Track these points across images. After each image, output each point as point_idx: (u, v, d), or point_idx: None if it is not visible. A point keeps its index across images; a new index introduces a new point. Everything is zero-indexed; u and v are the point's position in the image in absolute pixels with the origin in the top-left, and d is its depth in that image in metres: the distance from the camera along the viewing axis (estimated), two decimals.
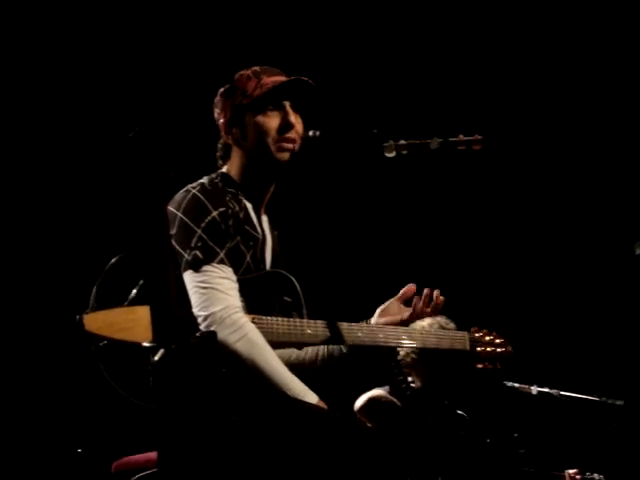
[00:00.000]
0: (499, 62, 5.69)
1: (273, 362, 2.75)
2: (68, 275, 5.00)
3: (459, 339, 3.33)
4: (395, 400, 4.25)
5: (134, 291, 2.79)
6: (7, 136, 5.14)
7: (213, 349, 2.29)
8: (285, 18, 5.51)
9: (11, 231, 5.11)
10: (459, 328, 3.44)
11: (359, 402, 4.29)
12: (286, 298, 2.99)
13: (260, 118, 2.98)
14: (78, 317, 2.69)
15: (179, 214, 2.85)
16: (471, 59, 5.70)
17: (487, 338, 3.39)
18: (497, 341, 3.42)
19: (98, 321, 2.70)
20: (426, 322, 4.31)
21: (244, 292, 2.85)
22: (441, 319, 4.34)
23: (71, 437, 4.93)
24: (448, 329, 4.25)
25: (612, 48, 5.59)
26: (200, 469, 2.52)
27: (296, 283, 3.01)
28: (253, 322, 2.81)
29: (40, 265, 5.17)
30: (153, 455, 2.92)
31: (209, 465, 2.57)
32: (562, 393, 4.19)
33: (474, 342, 3.35)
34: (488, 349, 3.38)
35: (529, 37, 5.64)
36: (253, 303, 2.88)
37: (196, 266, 2.78)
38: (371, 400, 4.28)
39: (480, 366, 3.41)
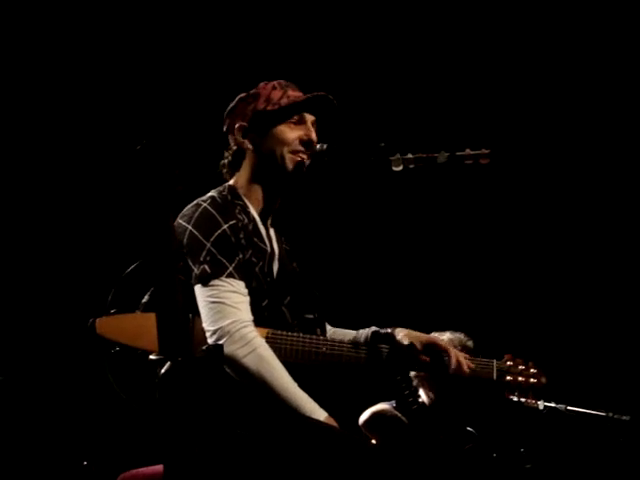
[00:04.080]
0: (507, 76, 5.69)
1: (282, 378, 2.72)
2: (87, 281, 5.02)
3: (484, 367, 3.23)
4: (400, 415, 4.24)
5: (146, 296, 2.80)
6: (17, 146, 5.17)
7: (220, 362, 2.28)
8: (294, 32, 5.52)
9: (34, 238, 5.16)
10: (494, 356, 3.34)
11: (364, 416, 4.28)
12: (308, 315, 2.98)
13: (282, 127, 3.00)
14: (91, 321, 2.70)
15: (189, 227, 2.84)
16: (478, 73, 5.70)
17: (520, 367, 3.29)
18: (531, 371, 3.31)
19: (110, 326, 2.70)
20: (445, 337, 4.30)
21: (256, 304, 2.84)
22: (460, 336, 4.33)
23: (77, 449, 4.93)
24: (467, 346, 4.24)
25: (621, 58, 5.59)
26: None
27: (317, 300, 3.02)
28: (267, 336, 2.79)
29: (60, 270, 5.20)
30: (159, 468, 2.91)
31: (214, 478, 2.57)
32: (569, 408, 4.17)
33: (503, 371, 3.25)
34: (519, 379, 3.29)
35: (536, 52, 5.64)
36: (267, 317, 2.86)
37: (205, 280, 2.77)
38: (375, 415, 4.27)
39: (511, 396, 3.34)
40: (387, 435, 4.19)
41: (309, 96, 3.01)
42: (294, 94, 3.02)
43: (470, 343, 4.33)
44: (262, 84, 3.07)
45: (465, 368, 3.04)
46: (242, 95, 3.08)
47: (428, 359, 3.04)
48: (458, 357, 3.04)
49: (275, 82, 3.06)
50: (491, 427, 4.64)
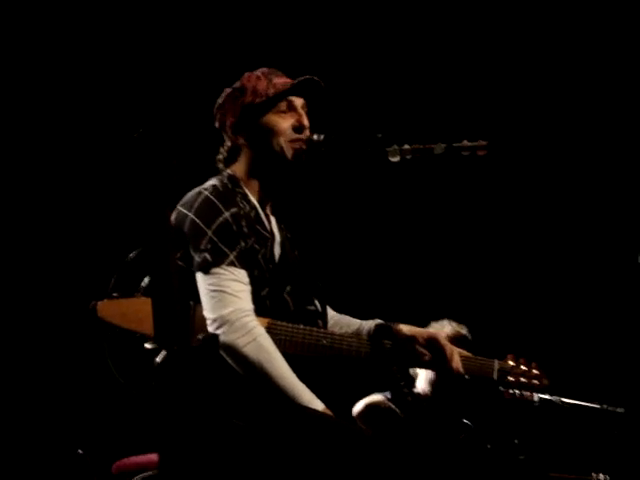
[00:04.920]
0: (504, 67, 5.68)
1: (281, 368, 2.71)
2: (89, 264, 5.04)
3: (485, 367, 3.21)
4: (393, 406, 4.23)
5: (146, 279, 2.79)
6: (18, 135, 5.18)
7: (215, 352, 2.28)
8: (289, 21, 5.51)
9: (37, 223, 5.19)
10: (495, 354, 3.32)
11: (357, 407, 4.27)
12: (310, 307, 2.97)
13: (273, 117, 2.98)
14: (92, 304, 2.70)
15: (191, 215, 2.83)
16: (476, 64, 5.70)
17: (522, 368, 3.28)
18: (533, 372, 3.30)
19: (111, 309, 2.71)
20: (446, 328, 4.30)
21: (258, 293, 2.84)
22: (454, 324, 4.33)
23: (72, 438, 4.93)
24: (463, 335, 4.24)
25: (616, 53, 5.59)
26: (201, 471, 2.52)
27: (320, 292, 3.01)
28: (268, 326, 2.79)
29: (62, 252, 5.22)
30: (154, 456, 2.92)
31: (210, 467, 2.57)
32: (563, 400, 4.18)
33: (504, 371, 3.24)
34: (521, 379, 3.27)
35: (533, 43, 5.64)
36: (269, 306, 2.86)
37: (206, 268, 2.76)
38: (368, 406, 4.26)
39: (510, 394, 3.32)
40: (380, 426, 4.19)
41: (295, 82, 2.99)
42: (279, 81, 3.00)
43: (464, 332, 4.33)
44: (246, 75, 3.04)
45: (454, 366, 3.03)
46: (228, 90, 3.06)
47: (429, 355, 3.04)
48: (453, 356, 3.04)
49: (259, 72, 3.03)
50: (485, 418, 4.65)
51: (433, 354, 3.03)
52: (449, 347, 3.04)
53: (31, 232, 5.20)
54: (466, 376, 3.14)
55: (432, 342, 3.03)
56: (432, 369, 3.24)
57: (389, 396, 4.27)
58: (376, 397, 4.29)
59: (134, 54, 5.30)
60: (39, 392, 5.07)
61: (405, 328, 3.05)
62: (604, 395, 4.20)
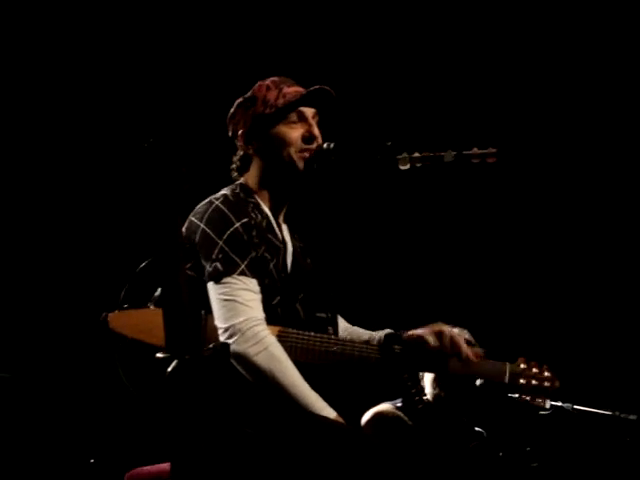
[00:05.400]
0: (514, 75, 5.68)
1: (292, 376, 2.72)
2: (100, 275, 5.05)
3: (496, 370, 3.20)
4: (402, 415, 4.22)
5: (159, 290, 2.80)
6: (31, 146, 5.21)
7: (226, 361, 2.28)
8: (300, 30, 5.52)
9: (47, 234, 5.20)
10: (506, 359, 3.31)
11: (365, 417, 4.26)
12: (320, 314, 2.98)
13: (283, 128, 2.99)
14: (103, 315, 2.72)
15: (202, 225, 2.85)
16: (486, 72, 5.70)
17: (534, 370, 3.25)
18: (545, 374, 3.27)
19: (122, 320, 2.73)
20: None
21: (269, 302, 2.85)
22: (457, 330, 4.32)
23: (84, 447, 4.94)
24: (466, 338, 4.23)
25: (626, 62, 5.58)
26: None
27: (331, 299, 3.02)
28: (279, 335, 2.80)
29: (72, 264, 5.24)
30: (166, 466, 2.92)
31: (222, 476, 2.58)
32: (575, 407, 4.17)
33: (516, 374, 3.21)
34: (533, 382, 3.24)
35: (544, 51, 5.64)
36: (280, 314, 2.87)
37: (217, 278, 2.78)
38: (377, 415, 4.25)
39: (522, 398, 3.31)
40: (387, 435, 4.18)
41: (304, 93, 3.00)
42: (289, 91, 3.00)
43: (467, 335, 4.32)
44: (257, 85, 3.05)
45: (468, 353, 3.04)
46: (240, 100, 3.07)
47: (438, 343, 3.02)
48: (461, 344, 3.04)
49: (269, 81, 3.04)
50: (497, 426, 4.64)
51: (444, 346, 3.03)
52: (456, 337, 3.04)
53: (42, 244, 5.21)
54: (477, 382, 3.14)
55: (440, 335, 3.03)
56: (441, 374, 3.24)
57: (398, 404, 4.26)
58: (384, 406, 4.28)
59: (144, 63, 5.32)
60: (51, 402, 5.08)
61: (415, 331, 3.05)
62: (616, 402, 4.19)
